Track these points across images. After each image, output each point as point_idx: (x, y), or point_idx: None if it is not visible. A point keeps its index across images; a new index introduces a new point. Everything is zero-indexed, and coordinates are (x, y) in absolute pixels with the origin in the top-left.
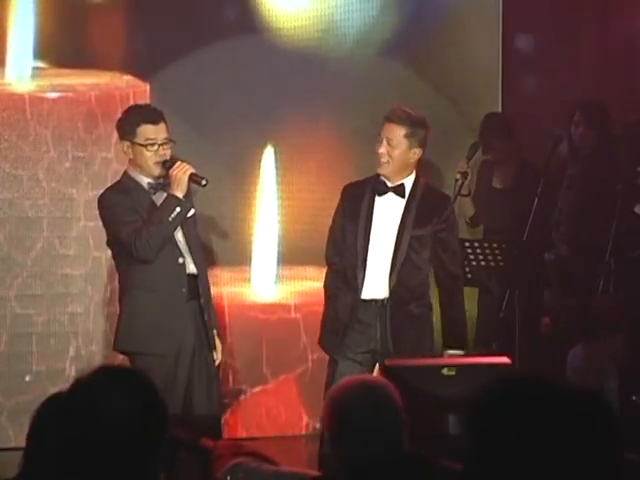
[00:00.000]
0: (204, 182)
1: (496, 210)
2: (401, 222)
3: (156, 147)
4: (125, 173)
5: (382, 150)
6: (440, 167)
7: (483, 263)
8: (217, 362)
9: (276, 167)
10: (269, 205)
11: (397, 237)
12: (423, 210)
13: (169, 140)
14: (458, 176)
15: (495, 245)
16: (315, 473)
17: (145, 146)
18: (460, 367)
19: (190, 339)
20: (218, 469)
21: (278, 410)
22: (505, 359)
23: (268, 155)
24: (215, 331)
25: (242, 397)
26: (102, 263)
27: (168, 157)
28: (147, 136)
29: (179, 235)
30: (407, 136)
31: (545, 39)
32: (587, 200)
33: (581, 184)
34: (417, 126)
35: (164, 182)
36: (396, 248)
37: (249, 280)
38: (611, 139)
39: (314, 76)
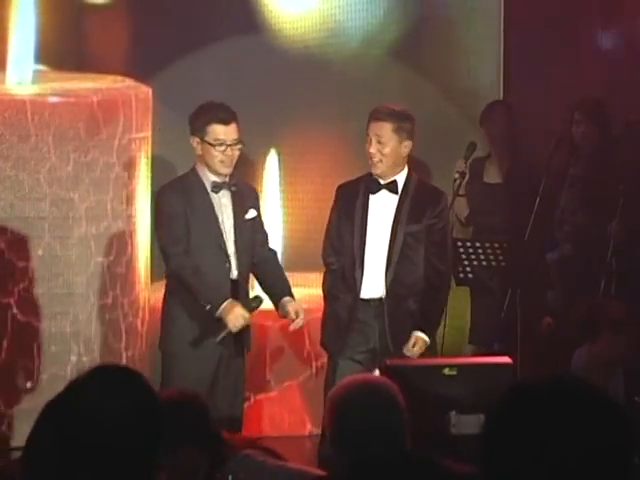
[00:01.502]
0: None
1: (489, 206)
2: (394, 219)
3: (224, 147)
4: (193, 169)
5: (373, 150)
6: (442, 167)
7: (484, 263)
8: (300, 324)
9: (280, 171)
10: (272, 210)
11: (391, 234)
12: (417, 205)
13: (239, 141)
14: (456, 175)
15: (496, 245)
16: (321, 473)
17: (214, 146)
18: (461, 367)
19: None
20: (230, 457)
21: (282, 417)
22: (506, 359)
23: (271, 158)
24: (288, 298)
25: (246, 404)
26: (104, 268)
27: (235, 158)
28: (217, 136)
29: (229, 239)
30: (395, 130)
31: (546, 39)
32: (589, 199)
33: (584, 183)
34: (403, 119)
35: (230, 181)
36: (391, 245)
37: (253, 286)
38: (611, 137)
39: (317, 78)
